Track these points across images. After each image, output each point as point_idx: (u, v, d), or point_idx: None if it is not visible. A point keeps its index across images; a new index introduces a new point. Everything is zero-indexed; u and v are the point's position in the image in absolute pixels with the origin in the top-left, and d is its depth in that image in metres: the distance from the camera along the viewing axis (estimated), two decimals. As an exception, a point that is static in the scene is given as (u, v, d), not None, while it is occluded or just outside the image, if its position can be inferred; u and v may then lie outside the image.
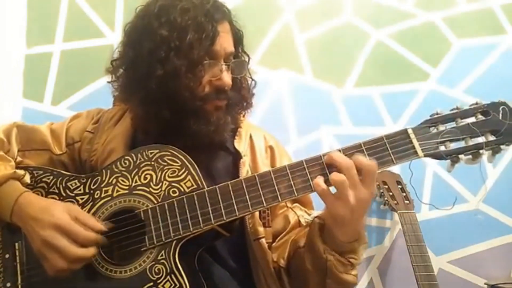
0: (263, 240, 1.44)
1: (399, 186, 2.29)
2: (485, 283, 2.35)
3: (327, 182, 1.17)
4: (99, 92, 2.40)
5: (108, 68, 1.56)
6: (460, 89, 2.50)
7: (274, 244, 1.49)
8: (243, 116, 1.62)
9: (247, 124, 1.64)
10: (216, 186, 1.24)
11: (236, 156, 1.52)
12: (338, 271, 1.25)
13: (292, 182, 1.21)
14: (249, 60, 1.62)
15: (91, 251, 1.21)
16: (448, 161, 1.21)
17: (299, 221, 1.52)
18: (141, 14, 1.47)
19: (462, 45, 2.54)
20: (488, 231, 2.42)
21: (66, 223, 1.21)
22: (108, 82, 1.57)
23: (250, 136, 1.59)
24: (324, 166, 1.20)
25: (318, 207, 1.18)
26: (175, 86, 1.37)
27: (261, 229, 1.45)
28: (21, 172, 1.38)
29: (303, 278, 1.36)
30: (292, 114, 2.49)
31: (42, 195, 1.37)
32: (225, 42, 1.43)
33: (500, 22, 2.56)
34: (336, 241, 1.23)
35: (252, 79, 1.64)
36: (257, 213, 1.45)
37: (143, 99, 1.44)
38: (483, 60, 2.53)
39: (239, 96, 1.53)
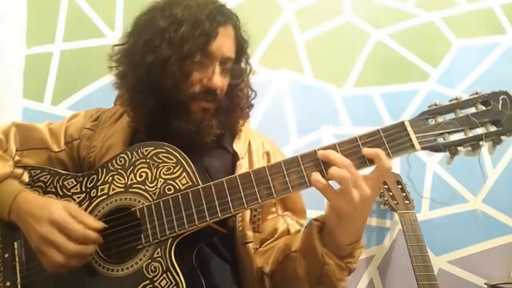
0: (250, 245, 1.44)
1: (399, 186, 2.29)
2: (485, 283, 2.35)
3: (324, 177, 1.15)
4: (99, 92, 2.40)
5: (110, 54, 1.57)
6: (460, 89, 2.49)
7: (259, 249, 1.49)
8: (242, 124, 1.61)
9: (247, 129, 1.65)
10: (211, 183, 1.24)
11: (234, 157, 1.53)
12: (335, 278, 1.23)
13: (287, 179, 1.19)
14: (250, 70, 1.63)
15: (88, 247, 1.22)
16: (447, 153, 1.18)
17: (288, 229, 1.51)
18: (148, 8, 1.51)
19: (462, 45, 2.54)
20: (488, 231, 2.42)
21: (63, 219, 1.22)
22: (109, 67, 1.57)
23: (249, 142, 1.60)
24: (320, 161, 1.18)
25: (316, 206, 1.16)
26: (161, 75, 1.39)
27: (250, 233, 1.45)
28: (19, 171, 1.39)
29: (290, 285, 1.36)
30: (292, 114, 2.48)
31: (39, 194, 1.38)
32: (223, 45, 1.43)
33: (500, 22, 2.55)
34: (337, 243, 1.21)
35: (252, 90, 1.64)
36: (247, 218, 1.46)
37: (132, 86, 1.46)
38: (483, 60, 2.53)
39: (232, 103, 1.54)
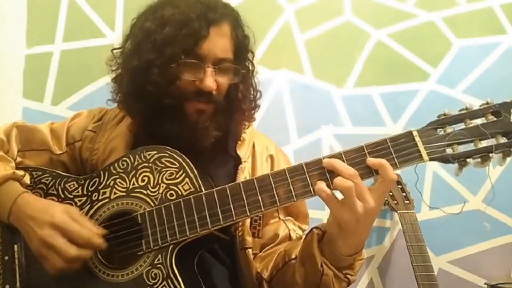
0: (250, 251, 1.43)
1: (399, 186, 2.29)
2: (485, 283, 2.35)
3: (329, 186, 1.14)
4: (99, 92, 2.39)
5: (109, 58, 1.56)
6: (460, 89, 2.50)
7: (260, 254, 1.48)
8: (246, 127, 1.59)
9: (252, 131, 1.62)
10: (214, 190, 1.23)
11: (237, 161, 1.51)
12: None
13: (291, 187, 1.18)
14: (253, 69, 1.59)
15: (88, 251, 1.22)
16: (456, 164, 1.15)
17: (290, 235, 1.50)
18: (144, 9, 1.49)
19: (462, 45, 2.54)
20: (488, 231, 2.42)
21: (64, 223, 1.21)
22: (109, 73, 1.56)
23: (253, 144, 1.58)
24: (325, 170, 1.16)
25: (318, 206, 1.15)
26: (144, 80, 1.38)
27: (249, 239, 1.43)
28: (20, 172, 1.38)
29: None
30: (292, 114, 2.48)
31: (41, 196, 1.38)
32: (216, 46, 1.40)
33: (500, 22, 2.55)
34: (336, 253, 1.19)
35: (256, 90, 1.61)
36: (247, 223, 1.44)
37: (123, 90, 1.47)
38: (483, 60, 2.53)
39: (232, 105, 1.50)
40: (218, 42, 1.40)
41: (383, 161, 1.12)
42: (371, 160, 1.14)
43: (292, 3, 2.55)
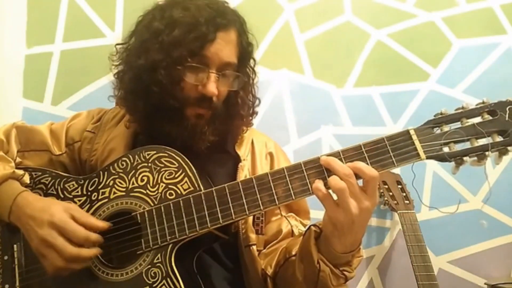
0: (254, 248, 1.42)
1: (399, 186, 2.28)
2: (485, 283, 2.34)
3: (326, 185, 1.14)
4: (99, 92, 2.40)
5: (111, 53, 1.57)
6: (460, 89, 2.50)
7: (263, 250, 1.48)
8: (245, 131, 1.59)
9: (251, 130, 1.63)
10: (213, 189, 1.23)
11: (237, 160, 1.51)
12: (331, 284, 1.23)
13: (290, 186, 1.18)
14: (254, 77, 1.59)
15: (88, 251, 1.22)
16: (453, 163, 1.15)
17: (292, 231, 1.50)
18: (152, 7, 1.49)
19: (462, 45, 2.54)
20: (488, 231, 2.42)
21: (63, 222, 1.22)
22: (111, 67, 1.56)
23: (252, 142, 1.58)
24: (323, 169, 1.17)
25: (320, 206, 1.14)
26: (148, 80, 1.38)
27: (253, 236, 1.43)
28: (20, 172, 1.38)
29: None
30: (292, 114, 2.48)
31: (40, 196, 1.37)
32: (222, 51, 1.40)
33: (500, 22, 2.55)
34: (332, 251, 1.20)
35: (256, 97, 1.61)
36: (250, 220, 1.44)
37: (125, 87, 1.47)
38: (483, 60, 2.52)
39: (231, 111, 1.50)
40: (224, 48, 1.41)
41: (356, 164, 1.13)
42: (343, 167, 1.13)
43: (292, 3, 2.55)
